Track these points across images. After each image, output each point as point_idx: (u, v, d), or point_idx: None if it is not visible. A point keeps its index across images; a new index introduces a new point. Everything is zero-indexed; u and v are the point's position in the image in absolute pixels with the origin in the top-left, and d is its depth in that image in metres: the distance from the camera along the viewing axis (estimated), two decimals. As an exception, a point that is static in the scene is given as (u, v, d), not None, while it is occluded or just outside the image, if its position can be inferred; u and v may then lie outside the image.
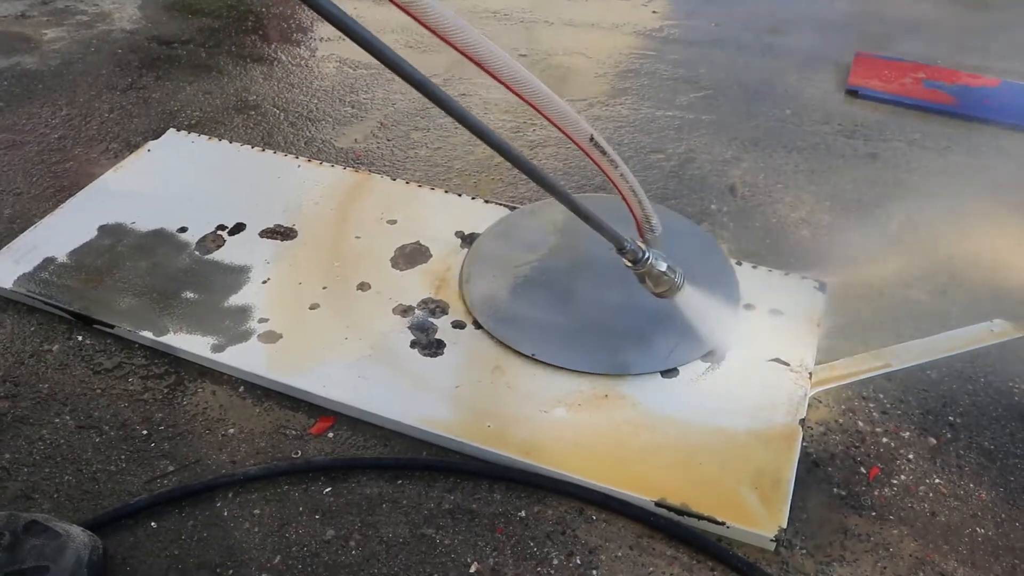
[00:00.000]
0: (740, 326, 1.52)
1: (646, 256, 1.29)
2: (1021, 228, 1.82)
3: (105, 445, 1.36)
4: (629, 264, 1.31)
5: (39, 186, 1.93)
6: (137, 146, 2.04)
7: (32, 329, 1.57)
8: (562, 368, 1.44)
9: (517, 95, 1.04)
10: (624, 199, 1.25)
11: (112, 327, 1.53)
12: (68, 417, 1.40)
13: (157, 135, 2.07)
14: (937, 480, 1.31)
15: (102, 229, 1.75)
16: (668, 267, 1.32)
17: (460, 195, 1.84)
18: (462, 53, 0.96)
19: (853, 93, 2.30)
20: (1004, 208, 1.88)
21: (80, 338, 1.54)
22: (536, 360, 1.45)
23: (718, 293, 1.55)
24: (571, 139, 1.13)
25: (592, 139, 1.14)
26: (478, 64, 0.99)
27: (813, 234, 1.79)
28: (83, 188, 1.87)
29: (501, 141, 1.09)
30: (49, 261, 1.66)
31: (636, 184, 1.24)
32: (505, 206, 1.80)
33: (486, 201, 1.82)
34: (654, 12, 2.79)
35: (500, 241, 1.70)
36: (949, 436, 1.38)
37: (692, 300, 1.43)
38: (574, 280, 1.61)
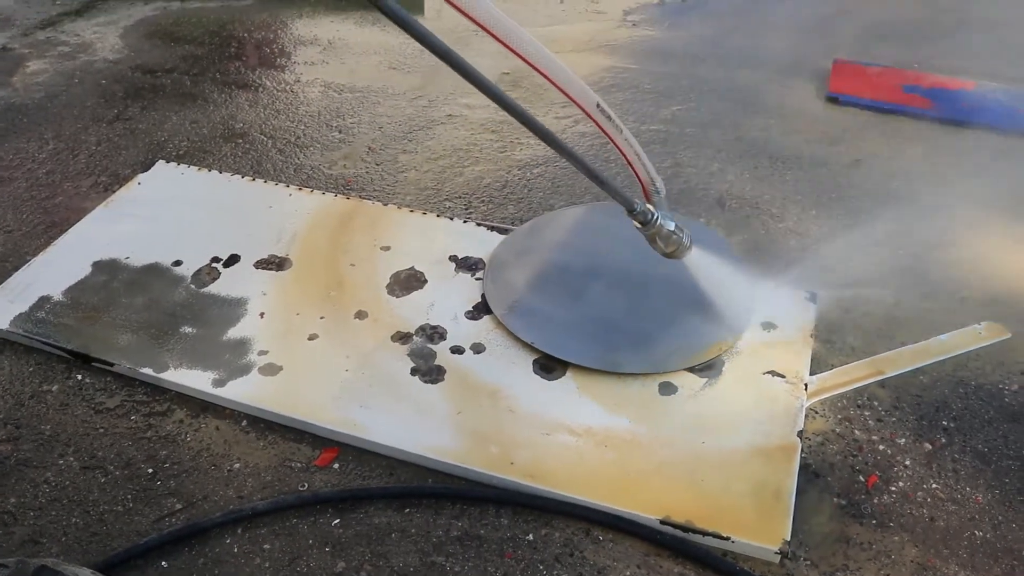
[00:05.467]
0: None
1: (655, 217, 1.34)
2: (1004, 230, 1.85)
3: (111, 485, 1.36)
4: (639, 226, 1.35)
5: (29, 223, 1.93)
6: (126, 178, 2.04)
7: (31, 369, 1.57)
8: (561, 390, 1.46)
9: (529, 64, 1.10)
10: (628, 163, 1.31)
11: (112, 365, 1.53)
12: (72, 458, 1.40)
13: (146, 167, 2.07)
14: (934, 485, 1.34)
15: (96, 265, 1.75)
16: (676, 227, 1.37)
17: (452, 218, 1.86)
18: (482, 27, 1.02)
19: (833, 100, 2.33)
20: (986, 210, 1.91)
21: (80, 377, 1.55)
22: (535, 383, 1.47)
23: (733, 304, 1.59)
24: (578, 105, 1.19)
25: (599, 105, 1.21)
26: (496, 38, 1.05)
27: (801, 244, 1.82)
28: (74, 224, 1.87)
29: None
30: (45, 300, 1.66)
31: (640, 149, 1.30)
32: (497, 228, 1.82)
33: (477, 224, 1.84)
34: (633, 26, 2.82)
35: (519, 247, 1.75)
36: (944, 441, 1.41)
37: (706, 268, 1.50)
38: (587, 283, 1.65)
